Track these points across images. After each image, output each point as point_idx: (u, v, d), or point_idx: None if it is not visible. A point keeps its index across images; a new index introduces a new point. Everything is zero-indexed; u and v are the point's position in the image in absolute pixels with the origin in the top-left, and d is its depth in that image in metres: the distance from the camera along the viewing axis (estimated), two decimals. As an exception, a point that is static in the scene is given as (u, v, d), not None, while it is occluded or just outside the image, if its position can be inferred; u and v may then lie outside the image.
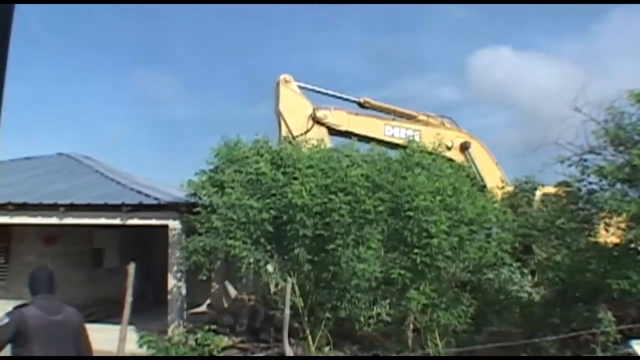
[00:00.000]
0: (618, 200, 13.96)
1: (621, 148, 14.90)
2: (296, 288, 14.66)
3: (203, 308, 19.18)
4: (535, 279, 17.70)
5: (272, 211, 14.56)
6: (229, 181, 15.49)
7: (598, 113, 15.07)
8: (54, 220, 17.04)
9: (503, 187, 20.28)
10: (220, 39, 69.36)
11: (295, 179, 14.49)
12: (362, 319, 15.26)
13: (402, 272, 13.97)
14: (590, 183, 15.05)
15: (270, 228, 14.63)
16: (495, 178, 22.07)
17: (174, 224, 17.03)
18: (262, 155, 15.87)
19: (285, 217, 14.39)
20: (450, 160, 20.00)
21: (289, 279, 14.13)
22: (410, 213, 13.94)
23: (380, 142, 20.84)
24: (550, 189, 19.59)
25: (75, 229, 17.92)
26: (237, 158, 16.32)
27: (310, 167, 14.74)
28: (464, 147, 22.41)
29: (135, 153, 52.63)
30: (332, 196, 14.01)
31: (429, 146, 17.02)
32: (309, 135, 19.68)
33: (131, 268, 14.19)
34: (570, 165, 14.91)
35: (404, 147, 18.94)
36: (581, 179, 14.97)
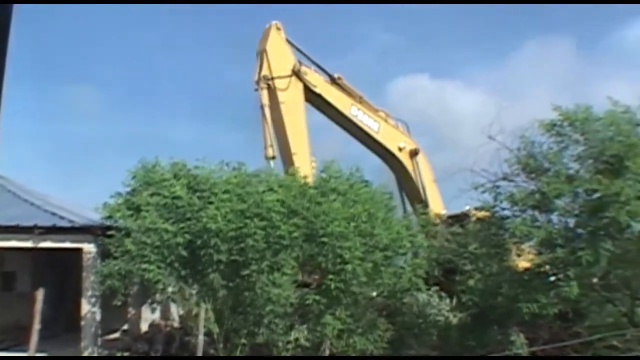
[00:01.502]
0: (528, 226, 14.35)
1: (532, 175, 15.36)
2: (211, 314, 14.43)
3: (118, 334, 18.67)
4: (454, 302, 17.94)
5: (186, 235, 14.35)
6: (145, 204, 15.17)
7: (512, 141, 15.52)
8: (-40, 241, 16.36)
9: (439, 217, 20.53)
10: (149, 55, 68.24)
11: (210, 203, 14.34)
12: (280, 344, 15.12)
13: (317, 297, 13.93)
14: (503, 209, 15.42)
15: (184, 253, 14.41)
16: (433, 192, 22.72)
17: (89, 247, 16.61)
18: (179, 179, 15.61)
19: (199, 242, 14.20)
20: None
21: (202, 304, 13.90)
22: (325, 239, 13.96)
23: (341, 117, 21.93)
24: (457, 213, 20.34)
25: (-17, 252, 17.23)
26: (154, 181, 15.98)
27: (226, 191, 14.61)
28: (414, 153, 23.08)
29: (53, 172, 50.97)
30: (247, 221, 13.91)
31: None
32: (284, 97, 20.28)
33: (39, 294, 13.66)
34: (484, 192, 15.26)
35: (365, 132, 21.38)
36: (494, 205, 15.31)
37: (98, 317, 16.55)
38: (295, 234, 14.14)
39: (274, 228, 13.99)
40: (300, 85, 21.07)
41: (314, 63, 21.98)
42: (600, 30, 64.52)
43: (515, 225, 14.23)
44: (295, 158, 19.98)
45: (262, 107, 20.49)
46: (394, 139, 23.29)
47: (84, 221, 17.07)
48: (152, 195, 15.48)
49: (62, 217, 16.95)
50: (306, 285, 15.16)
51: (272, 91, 20.70)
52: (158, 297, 16.01)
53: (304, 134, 20.93)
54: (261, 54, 20.90)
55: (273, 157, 20.22)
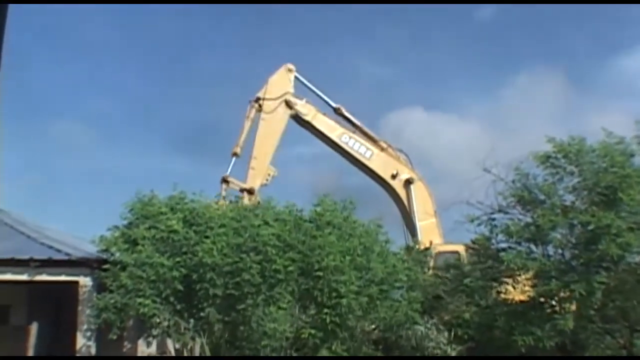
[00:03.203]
0: (523, 259, 14.37)
1: (528, 207, 15.40)
2: (207, 348, 14.37)
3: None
4: (452, 335, 17.84)
5: (182, 269, 14.37)
6: (141, 238, 15.19)
7: (506, 174, 15.60)
8: (-47, 273, 16.28)
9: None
10: (138, 90, 68.35)
11: (207, 237, 14.35)
12: (275, 378, 15.03)
13: (313, 331, 13.88)
14: (499, 242, 15.45)
15: (180, 287, 14.39)
16: (429, 223, 22.89)
17: (85, 281, 16.54)
18: (175, 213, 15.63)
19: (195, 276, 14.20)
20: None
21: (197, 339, 13.85)
22: (320, 273, 13.95)
23: (332, 144, 24.30)
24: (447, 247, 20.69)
25: (-23, 284, 17.12)
26: (151, 214, 16.00)
27: (222, 225, 14.64)
28: (408, 182, 23.68)
29: (49, 205, 50.88)
30: (244, 255, 13.92)
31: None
32: (267, 117, 23.68)
33: (33, 328, 13.70)
34: (479, 225, 15.30)
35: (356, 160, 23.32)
36: (489, 237, 15.34)
37: (93, 350, 16.42)
38: (290, 268, 14.12)
39: (269, 262, 13.99)
40: (287, 113, 24.05)
41: (318, 96, 24.84)
42: (591, 62, 65.09)
43: (511, 258, 14.25)
44: (253, 161, 23.17)
45: (246, 117, 23.81)
46: (388, 167, 24.09)
47: (80, 254, 16.97)
48: (148, 228, 15.51)
49: (58, 250, 16.85)
50: None
51: (259, 111, 23.95)
52: (154, 331, 15.88)
53: (270, 146, 23.76)
54: (266, 83, 24.30)
55: (237, 155, 23.39)
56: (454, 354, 17.10)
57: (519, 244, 14.93)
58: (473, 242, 22.32)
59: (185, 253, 14.48)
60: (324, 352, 14.08)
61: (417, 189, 23.72)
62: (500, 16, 62.99)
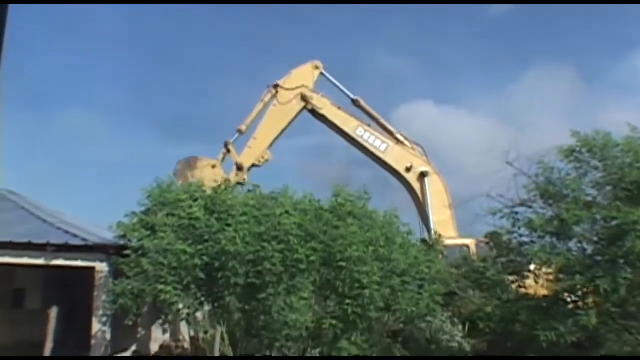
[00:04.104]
0: (547, 253, 14.21)
1: (550, 201, 15.23)
2: (225, 336, 14.30)
3: (128, 354, 18.48)
4: (466, 328, 17.77)
5: (204, 257, 14.24)
6: (161, 224, 15.08)
7: (529, 167, 15.43)
8: (-30, 257, 16.20)
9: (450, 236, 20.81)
10: (150, 80, 68.51)
11: (228, 225, 14.23)
12: (292, 368, 14.97)
13: (334, 322, 13.80)
14: (521, 235, 15.28)
15: (201, 275, 14.29)
16: (443, 216, 22.79)
17: (101, 267, 16.47)
18: (196, 200, 15.52)
19: (217, 264, 14.08)
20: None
21: (218, 327, 13.77)
22: (343, 263, 13.84)
23: (347, 137, 24.88)
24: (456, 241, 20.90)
25: (-6, 267, 17.07)
26: (169, 201, 15.88)
27: (244, 214, 14.52)
28: (422, 175, 23.95)
29: (61, 192, 50.94)
30: (265, 244, 13.80)
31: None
32: (279, 106, 24.69)
33: (53, 312, 13.61)
34: (502, 218, 15.12)
35: (371, 153, 24.06)
36: (512, 231, 15.17)
37: (108, 336, 16.37)
38: (312, 258, 14.02)
39: (291, 251, 13.88)
40: (300, 105, 24.97)
41: (338, 88, 25.83)
42: (602, 59, 64.98)
43: (535, 252, 14.10)
44: (252, 141, 24.45)
45: (260, 100, 24.93)
46: (402, 160, 24.43)
47: (96, 240, 16.92)
48: (167, 215, 15.39)
49: (75, 236, 16.81)
50: None
51: (274, 97, 25.10)
52: (170, 317, 15.81)
53: (273, 131, 24.74)
54: (289, 73, 25.40)
55: (241, 132, 24.82)
56: (468, 347, 17.08)
57: (542, 238, 14.75)
58: (486, 236, 22.33)
59: (206, 241, 14.37)
60: (343, 343, 14.01)
61: (432, 182, 23.77)
62: (513, 13, 62.98)
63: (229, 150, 24.15)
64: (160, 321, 17.05)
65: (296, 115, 25.26)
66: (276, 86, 25.01)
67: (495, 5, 63.34)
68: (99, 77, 67.21)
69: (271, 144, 24.82)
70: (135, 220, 16.17)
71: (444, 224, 22.86)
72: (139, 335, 18.84)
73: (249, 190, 16.73)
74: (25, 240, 16.35)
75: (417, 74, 66.95)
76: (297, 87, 24.86)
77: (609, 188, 14.83)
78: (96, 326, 16.38)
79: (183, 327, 18.02)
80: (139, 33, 67.25)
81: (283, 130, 25.17)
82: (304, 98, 24.87)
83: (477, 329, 16.13)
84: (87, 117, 63.02)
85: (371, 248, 14.16)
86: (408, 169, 24.11)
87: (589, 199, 14.91)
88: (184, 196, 15.85)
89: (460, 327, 17.70)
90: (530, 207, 15.32)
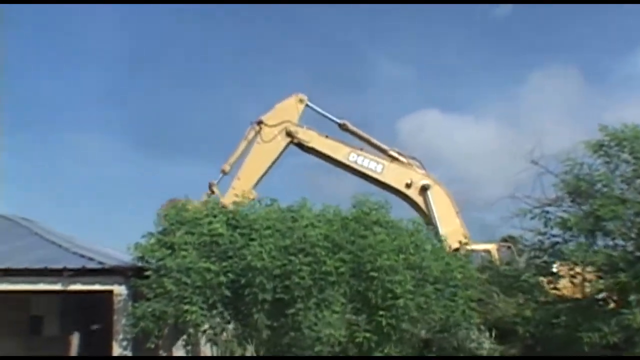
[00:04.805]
0: (584, 251, 13.79)
1: (579, 199, 14.82)
2: (254, 355, 13.82)
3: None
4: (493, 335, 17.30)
5: (229, 274, 13.78)
6: (181, 243, 14.63)
7: (555, 166, 15.12)
8: (-13, 285, 15.76)
9: (466, 242, 20.27)
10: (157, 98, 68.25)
11: (252, 239, 13.78)
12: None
13: (368, 335, 13.32)
14: (553, 235, 14.86)
15: (227, 292, 13.83)
16: (452, 226, 22.24)
17: (120, 289, 15.97)
18: (215, 216, 15.09)
19: (243, 281, 13.62)
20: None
21: (248, 346, 13.30)
22: (374, 273, 13.39)
23: (340, 164, 24.15)
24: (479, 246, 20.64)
25: (11, 295, 16.61)
26: (187, 220, 15.45)
27: (268, 227, 14.08)
28: (424, 189, 23.30)
29: (72, 214, 50.43)
30: (292, 257, 13.35)
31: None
32: (269, 136, 23.92)
33: (75, 338, 13.16)
34: (533, 218, 14.72)
35: (367, 176, 23.07)
36: (544, 231, 14.76)
37: (131, 360, 15.88)
38: (342, 269, 13.56)
39: (319, 263, 13.42)
40: (285, 141, 24.23)
41: (326, 117, 25.10)
42: (608, 58, 64.86)
43: (571, 251, 13.69)
44: (236, 181, 23.52)
45: (244, 138, 24.30)
46: (401, 177, 23.89)
47: (113, 262, 16.49)
48: (186, 233, 14.96)
49: (91, 259, 16.34)
50: None
51: (257, 134, 24.35)
52: (192, 339, 15.35)
53: (257, 171, 23.93)
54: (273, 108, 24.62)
55: (225, 172, 24.08)
56: (497, 354, 16.56)
57: (576, 236, 14.33)
58: (503, 240, 21.92)
59: (230, 257, 13.93)
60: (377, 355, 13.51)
61: (435, 194, 23.42)
62: (515, 14, 62.92)
63: (213, 192, 23.15)
64: (182, 342, 16.62)
65: (282, 152, 24.62)
66: (260, 122, 24.32)
67: (496, 6, 63.15)
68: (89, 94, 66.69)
69: (256, 183, 23.90)
70: (152, 240, 15.74)
71: (454, 234, 22.33)
72: (161, 358, 18.34)
73: (267, 205, 16.27)
74: (41, 266, 15.92)
75: (421, 80, 66.81)
76: (281, 123, 24.16)
77: (638, 181, 14.48)
78: (117, 350, 15.89)
79: (204, 347, 17.56)
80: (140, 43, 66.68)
81: (269, 168, 24.45)
82: (289, 134, 24.22)
83: (505, 335, 15.64)
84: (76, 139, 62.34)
85: (401, 256, 13.71)
86: (408, 185, 23.56)
87: (620, 193, 14.52)
88: (202, 213, 15.42)
89: (487, 333, 17.24)
90: (560, 205, 14.95)
